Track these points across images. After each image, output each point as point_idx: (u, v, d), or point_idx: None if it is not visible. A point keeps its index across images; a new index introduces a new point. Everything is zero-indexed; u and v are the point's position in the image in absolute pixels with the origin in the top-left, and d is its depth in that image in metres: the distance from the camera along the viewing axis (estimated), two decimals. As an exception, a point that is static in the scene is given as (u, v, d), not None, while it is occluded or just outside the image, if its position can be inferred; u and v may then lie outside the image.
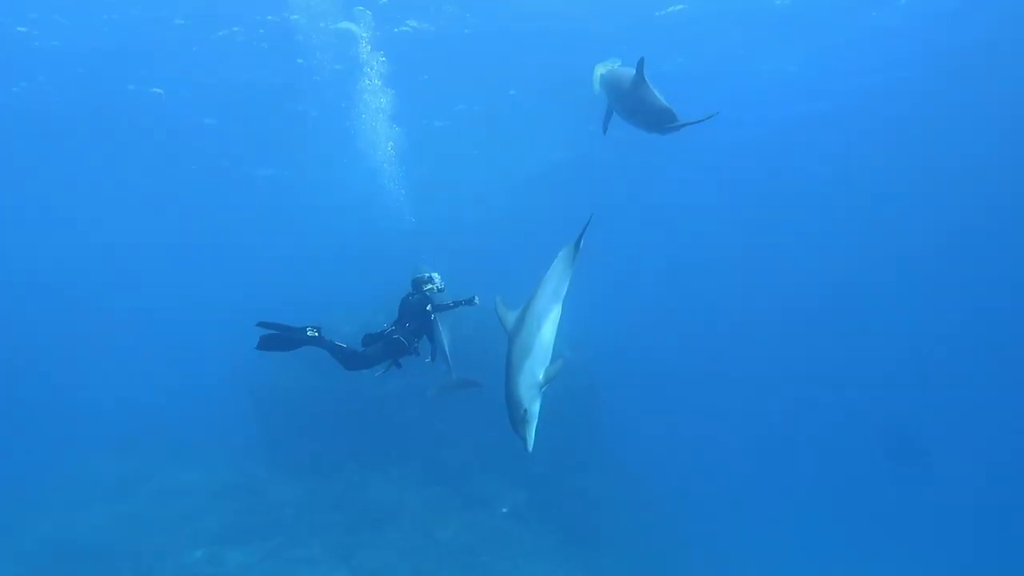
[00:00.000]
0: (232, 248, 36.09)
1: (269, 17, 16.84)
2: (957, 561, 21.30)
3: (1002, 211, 28.30)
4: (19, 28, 16.84)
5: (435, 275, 8.02)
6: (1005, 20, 17.91)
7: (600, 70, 8.09)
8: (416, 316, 7.62)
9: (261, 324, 6.97)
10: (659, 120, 7.21)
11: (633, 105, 7.59)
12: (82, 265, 35.54)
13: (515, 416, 5.41)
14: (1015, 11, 17.66)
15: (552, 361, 5.72)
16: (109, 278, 37.00)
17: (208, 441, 19.99)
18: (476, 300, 7.72)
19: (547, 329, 5.76)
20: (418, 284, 7.93)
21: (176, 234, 33.16)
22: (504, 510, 15.97)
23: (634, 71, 7.38)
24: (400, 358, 7.53)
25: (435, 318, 7.80)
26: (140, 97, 20.46)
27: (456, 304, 7.76)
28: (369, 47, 16.70)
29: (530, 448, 5.46)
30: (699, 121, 6.93)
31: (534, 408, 5.49)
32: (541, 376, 5.58)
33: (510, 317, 5.81)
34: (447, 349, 8.47)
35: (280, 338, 6.98)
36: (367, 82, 17.78)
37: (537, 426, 5.52)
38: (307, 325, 7.10)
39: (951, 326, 34.61)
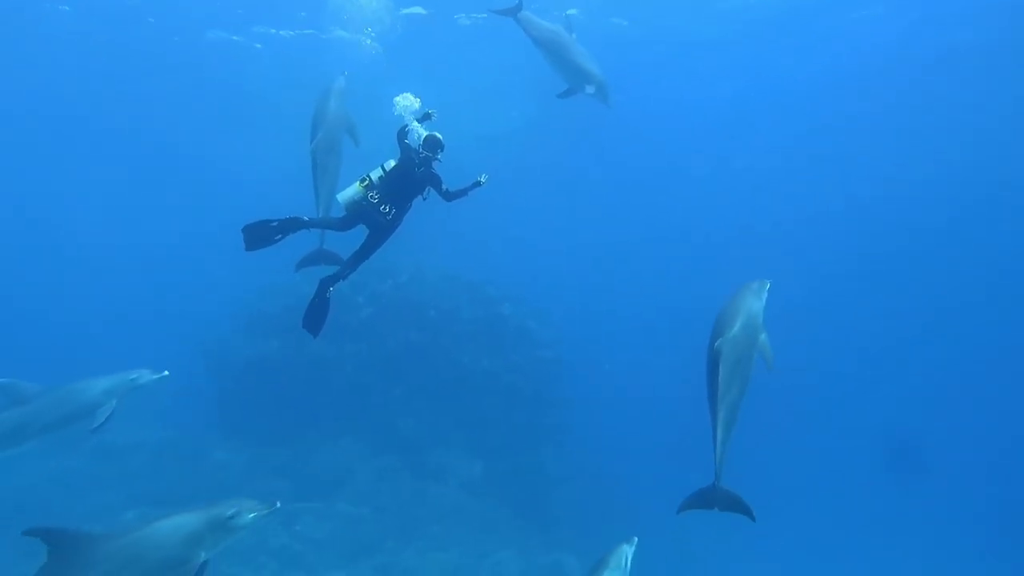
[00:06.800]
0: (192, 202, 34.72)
1: None
2: (958, 568, 20.89)
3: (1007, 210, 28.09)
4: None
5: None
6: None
7: None
8: (416, 192, 6.11)
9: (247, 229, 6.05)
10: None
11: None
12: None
13: None
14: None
15: None
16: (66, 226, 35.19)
17: (155, 398, 19.02)
18: (483, 179, 6.29)
19: None
20: (433, 148, 6.10)
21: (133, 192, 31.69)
22: None
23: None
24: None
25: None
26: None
27: (467, 190, 6.32)
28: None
29: None
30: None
31: None
32: None
33: None
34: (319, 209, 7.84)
35: (261, 231, 6.03)
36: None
37: None
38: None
39: (954, 330, 33.43)
